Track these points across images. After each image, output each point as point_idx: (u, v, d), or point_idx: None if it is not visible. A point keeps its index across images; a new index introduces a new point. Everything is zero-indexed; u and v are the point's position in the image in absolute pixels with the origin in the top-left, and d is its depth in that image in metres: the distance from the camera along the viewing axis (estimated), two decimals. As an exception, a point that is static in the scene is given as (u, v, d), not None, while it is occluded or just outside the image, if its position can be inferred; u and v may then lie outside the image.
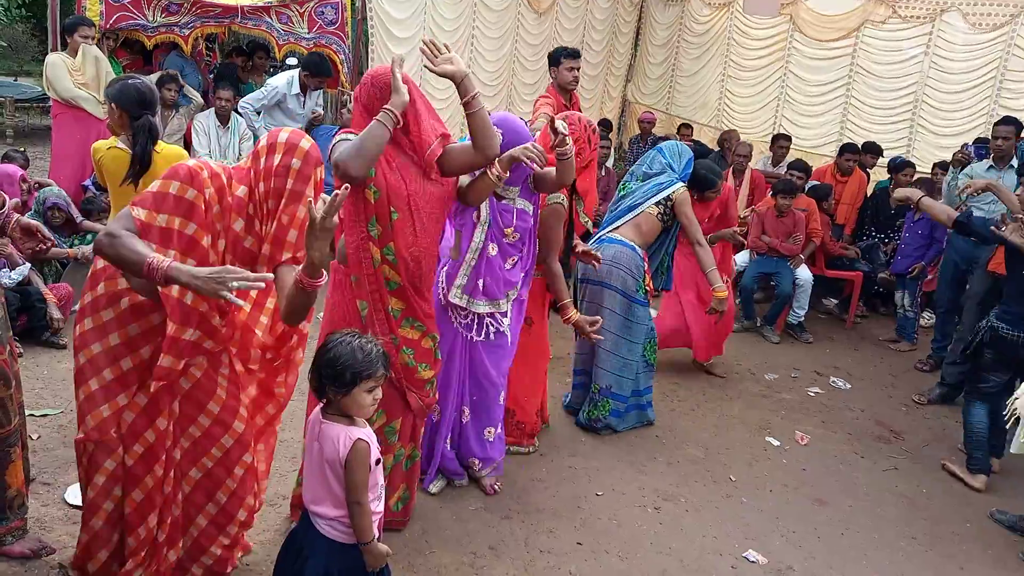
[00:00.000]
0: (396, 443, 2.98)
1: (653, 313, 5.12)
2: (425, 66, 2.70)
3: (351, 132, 2.69)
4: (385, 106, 2.56)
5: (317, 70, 6.26)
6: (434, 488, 3.41)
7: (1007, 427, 3.71)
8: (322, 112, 6.72)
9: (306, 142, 2.36)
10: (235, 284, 2.02)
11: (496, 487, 3.48)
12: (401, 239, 2.73)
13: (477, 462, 3.47)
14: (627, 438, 4.20)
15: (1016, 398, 3.61)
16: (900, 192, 4.35)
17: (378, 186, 2.68)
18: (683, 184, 4.15)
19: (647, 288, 4.09)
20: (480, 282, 3.21)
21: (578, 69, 5.05)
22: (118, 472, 2.37)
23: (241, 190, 2.32)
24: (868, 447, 4.49)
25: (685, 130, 9.36)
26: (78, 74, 5.73)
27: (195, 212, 2.23)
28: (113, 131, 3.43)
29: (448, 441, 3.42)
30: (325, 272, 2.15)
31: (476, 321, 3.27)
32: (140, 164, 3.33)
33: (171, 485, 2.42)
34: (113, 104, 3.30)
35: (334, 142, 2.70)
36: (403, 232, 2.73)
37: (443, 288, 3.24)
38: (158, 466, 2.38)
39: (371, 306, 2.79)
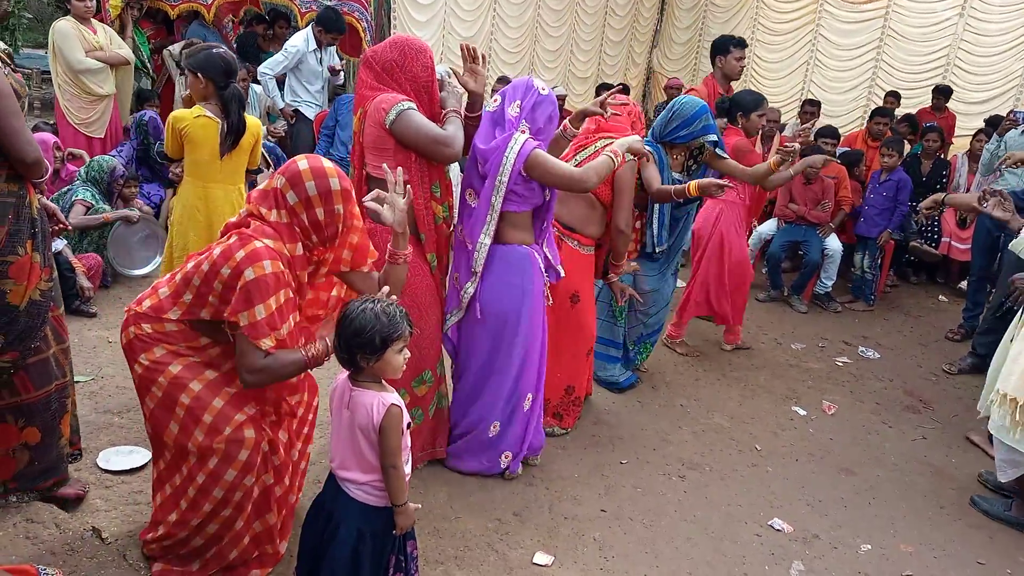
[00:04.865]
0: (433, 383, 3.26)
1: (681, 284, 5.08)
2: (454, 71, 3.16)
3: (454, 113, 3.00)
4: (456, 110, 3.01)
5: (331, 25, 6.21)
6: (518, 472, 3.38)
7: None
8: (342, 79, 6.70)
9: (328, 162, 2.36)
10: None
11: None
12: (451, 193, 3.14)
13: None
14: (651, 407, 4.19)
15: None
16: (926, 203, 4.10)
17: None
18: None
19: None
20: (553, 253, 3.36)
21: (744, 59, 5.17)
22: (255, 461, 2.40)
23: (299, 248, 2.35)
24: (896, 417, 4.44)
25: (713, 96, 9.21)
26: (91, 47, 5.62)
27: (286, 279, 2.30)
28: (191, 101, 3.56)
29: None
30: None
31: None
32: (237, 133, 3.50)
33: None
34: (200, 74, 3.39)
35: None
36: (451, 188, 3.14)
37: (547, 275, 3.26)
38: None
39: (438, 258, 3.14)
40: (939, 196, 4.11)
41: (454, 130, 2.92)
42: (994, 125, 7.16)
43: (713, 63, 5.26)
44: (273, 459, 2.43)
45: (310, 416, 2.69)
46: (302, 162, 2.32)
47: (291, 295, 2.28)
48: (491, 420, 3.25)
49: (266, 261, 2.20)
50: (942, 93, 8.06)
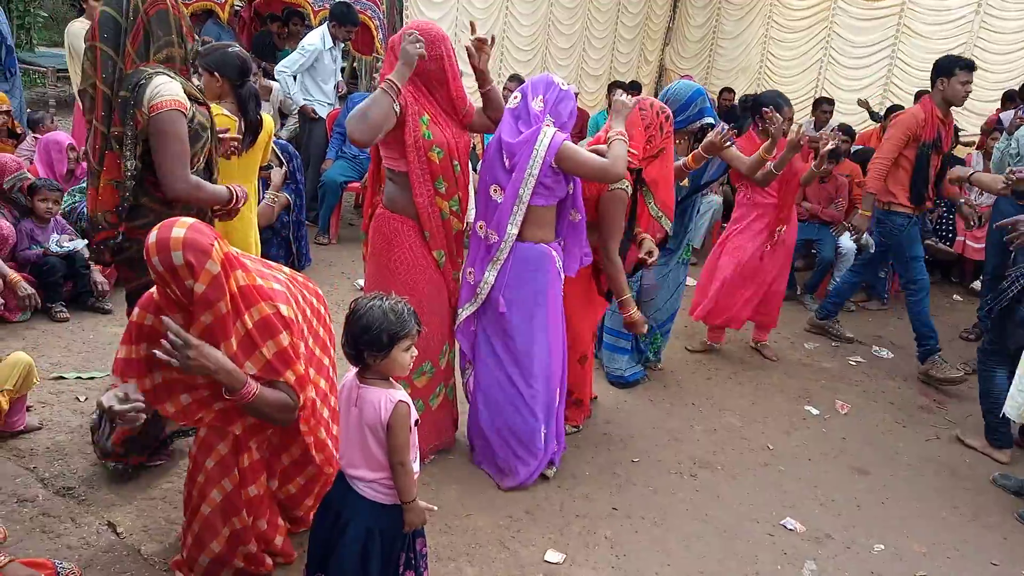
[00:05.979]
0: (434, 375, 3.27)
1: (691, 281, 5.04)
2: (467, 49, 3.11)
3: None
4: (389, 77, 2.80)
5: (344, 19, 6.26)
6: (552, 472, 3.37)
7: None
8: (344, 84, 6.75)
9: (180, 229, 2.06)
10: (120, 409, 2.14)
11: None
12: (463, 189, 3.10)
13: None
14: (663, 406, 4.19)
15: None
16: (954, 173, 4.16)
17: (440, 145, 2.98)
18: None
19: None
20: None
21: (971, 83, 4.62)
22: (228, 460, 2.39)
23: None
24: (910, 416, 4.42)
25: (727, 94, 9.16)
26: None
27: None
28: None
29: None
30: (247, 381, 2.17)
31: None
32: (255, 131, 3.52)
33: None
34: (216, 73, 3.42)
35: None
36: (462, 182, 3.09)
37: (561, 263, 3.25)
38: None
39: (447, 255, 3.15)
40: (965, 172, 4.10)
41: (355, 109, 2.85)
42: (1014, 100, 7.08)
43: (933, 85, 4.67)
44: (238, 459, 2.40)
45: (301, 480, 2.60)
46: (152, 234, 2.06)
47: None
48: (538, 426, 3.21)
49: (137, 309, 2.26)
50: (1012, 99, 7.55)
